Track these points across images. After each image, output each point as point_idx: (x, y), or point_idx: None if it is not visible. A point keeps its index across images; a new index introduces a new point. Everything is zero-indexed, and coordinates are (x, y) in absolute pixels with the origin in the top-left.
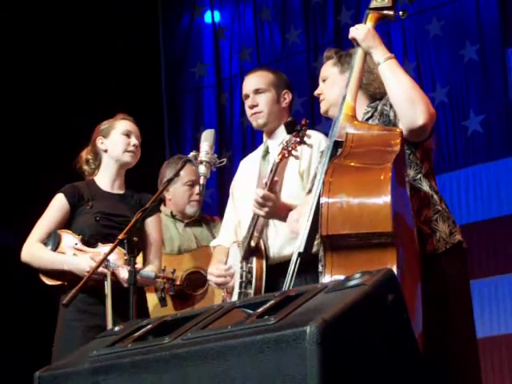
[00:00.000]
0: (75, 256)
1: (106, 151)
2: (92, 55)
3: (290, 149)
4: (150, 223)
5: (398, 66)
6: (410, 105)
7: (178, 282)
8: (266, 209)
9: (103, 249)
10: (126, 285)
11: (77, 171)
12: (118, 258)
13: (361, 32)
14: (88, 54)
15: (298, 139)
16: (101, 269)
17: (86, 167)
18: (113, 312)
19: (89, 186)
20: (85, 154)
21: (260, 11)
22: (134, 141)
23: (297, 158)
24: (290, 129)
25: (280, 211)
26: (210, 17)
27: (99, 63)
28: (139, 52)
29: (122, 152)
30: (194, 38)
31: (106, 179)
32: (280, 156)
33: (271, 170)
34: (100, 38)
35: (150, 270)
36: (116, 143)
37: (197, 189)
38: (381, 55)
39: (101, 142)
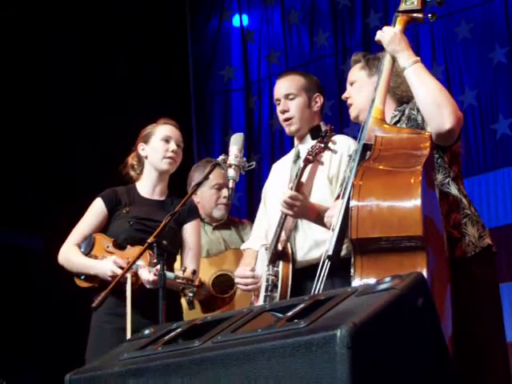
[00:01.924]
0: (100, 260)
1: (146, 157)
2: (121, 59)
3: (314, 154)
4: (189, 228)
5: (424, 69)
6: (436, 109)
7: (196, 283)
8: (296, 208)
9: (131, 250)
10: (148, 286)
11: (124, 177)
12: (141, 258)
13: (387, 35)
14: (117, 58)
15: (323, 145)
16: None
17: (132, 172)
18: (141, 314)
19: (128, 191)
20: (130, 160)
21: (288, 14)
22: (172, 146)
23: (321, 163)
24: (314, 134)
25: (309, 211)
26: (239, 20)
27: (128, 67)
28: (168, 55)
29: (161, 159)
30: (223, 42)
31: (146, 185)
32: (305, 161)
33: (296, 175)
34: (129, 42)
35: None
36: (155, 149)
37: (224, 192)
38: (406, 59)
39: (142, 148)
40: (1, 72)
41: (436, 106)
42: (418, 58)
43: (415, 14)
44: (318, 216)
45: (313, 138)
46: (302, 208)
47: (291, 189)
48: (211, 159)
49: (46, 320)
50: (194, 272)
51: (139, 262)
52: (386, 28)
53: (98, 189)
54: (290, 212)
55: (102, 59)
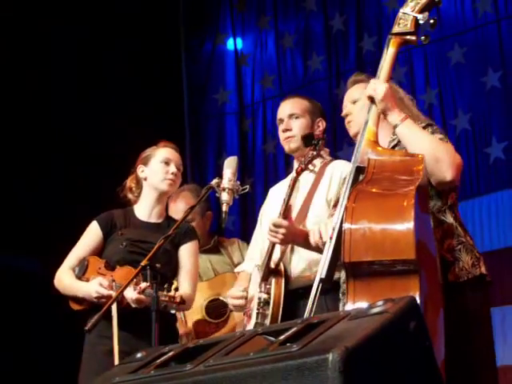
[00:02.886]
0: (86, 282)
1: (145, 179)
2: (113, 81)
3: (306, 163)
4: (184, 250)
5: (414, 125)
6: (435, 164)
7: (177, 300)
8: (280, 236)
9: (119, 271)
10: (133, 305)
11: (122, 200)
12: (125, 278)
13: (380, 92)
14: (110, 80)
15: (315, 152)
16: (108, 291)
17: (130, 195)
18: (135, 336)
19: (125, 214)
20: (129, 182)
21: (282, 38)
22: (172, 169)
23: (312, 171)
24: (307, 142)
25: (294, 237)
26: (233, 44)
27: (121, 89)
28: (162, 78)
29: (161, 180)
30: (217, 65)
31: (144, 208)
32: (297, 170)
33: (289, 186)
34: (123, 64)
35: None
36: (155, 171)
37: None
38: (396, 117)
39: (141, 170)
40: (1, 72)
41: (435, 161)
42: (407, 115)
43: (408, 37)
44: (306, 241)
45: (305, 146)
46: (287, 235)
47: (283, 200)
48: (191, 186)
49: (41, 342)
50: (177, 288)
51: (123, 282)
52: (375, 83)
53: (97, 207)
54: (276, 240)
55: (93, 78)
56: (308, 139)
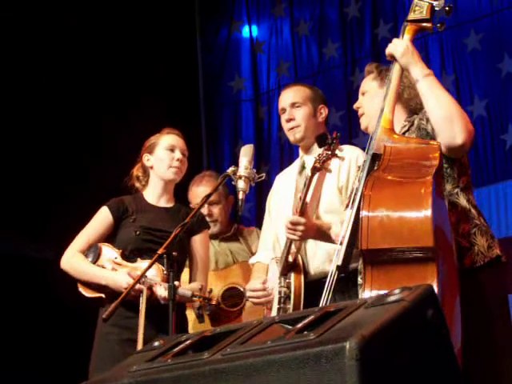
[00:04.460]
0: (113, 271)
1: (151, 167)
2: (130, 70)
3: (322, 162)
4: (198, 240)
5: (436, 83)
6: (448, 123)
7: (213, 302)
8: (299, 233)
9: (142, 264)
10: (162, 302)
11: (129, 188)
12: (156, 274)
13: (399, 48)
14: (126, 69)
15: (330, 152)
16: (138, 285)
17: (137, 184)
18: (151, 327)
19: (135, 199)
20: (135, 171)
21: (297, 25)
22: (178, 155)
23: (329, 171)
24: (321, 142)
25: (312, 232)
26: (248, 31)
27: (137, 78)
28: (177, 66)
29: (167, 168)
30: (232, 53)
31: (153, 194)
32: (312, 170)
33: (304, 184)
34: (138, 53)
35: (190, 288)
36: (160, 159)
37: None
38: (419, 72)
39: (147, 159)
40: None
41: (448, 121)
42: (431, 71)
43: (424, 24)
44: (323, 234)
45: (320, 146)
46: (306, 231)
47: (300, 198)
48: (212, 173)
49: (52, 328)
50: (211, 291)
51: (153, 277)
52: (396, 40)
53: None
54: (295, 237)
55: (110, 68)
56: (322, 139)
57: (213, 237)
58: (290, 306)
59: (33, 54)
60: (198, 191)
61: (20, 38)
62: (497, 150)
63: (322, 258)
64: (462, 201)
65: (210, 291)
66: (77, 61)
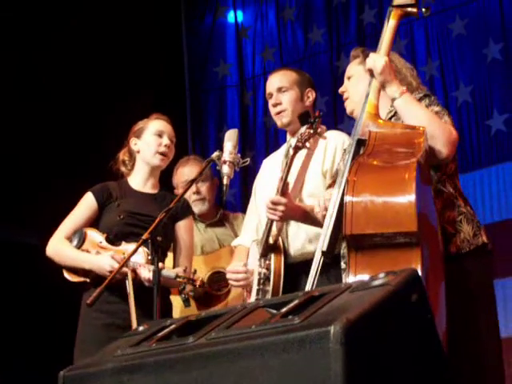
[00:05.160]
0: (97, 255)
1: (138, 152)
2: (114, 55)
3: (303, 141)
4: (182, 226)
5: (412, 100)
6: (430, 140)
7: (197, 283)
8: (279, 213)
9: (127, 247)
10: (147, 284)
11: (115, 172)
12: (141, 257)
13: (378, 64)
14: (110, 54)
15: (312, 131)
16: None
17: (123, 168)
18: (136, 311)
19: (120, 185)
20: (121, 155)
21: (283, 11)
22: (165, 141)
23: (310, 149)
24: (303, 120)
25: (293, 213)
26: (233, 17)
27: (121, 63)
28: (162, 52)
29: (153, 154)
30: (217, 38)
31: (138, 179)
32: (294, 148)
33: (286, 163)
34: (122, 38)
35: (174, 271)
36: (148, 144)
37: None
38: (395, 90)
39: (134, 143)
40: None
41: (430, 137)
42: (405, 89)
43: (409, 9)
44: (305, 216)
45: (302, 124)
46: (286, 211)
47: (281, 178)
48: (197, 157)
49: (36, 314)
50: (195, 271)
51: (138, 260)
52: (375, 56)
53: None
54: (275, 217)
55: (94, 54)
56: (304, 117)
57: (200, 219)
58: (270, 288)
59: (33, 54)
60: (184, 172)
61: (20, 37)
62: (482, 136)
63: (303, 239)
64: (449, 188)
65: (195, 272)
66: (77, 61)
